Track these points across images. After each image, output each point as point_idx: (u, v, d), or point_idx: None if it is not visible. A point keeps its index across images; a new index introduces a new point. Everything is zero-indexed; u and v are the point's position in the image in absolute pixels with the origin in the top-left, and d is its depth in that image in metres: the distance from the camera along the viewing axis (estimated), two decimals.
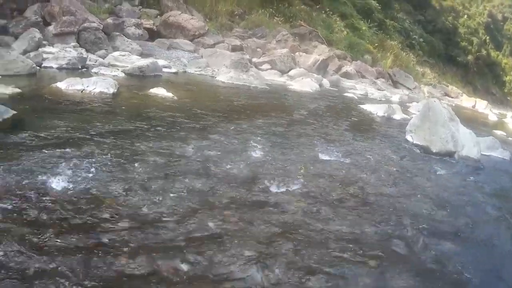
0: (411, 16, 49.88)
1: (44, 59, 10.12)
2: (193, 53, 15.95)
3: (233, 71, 13.54)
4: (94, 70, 10.38)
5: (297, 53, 20.01)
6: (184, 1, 19.38)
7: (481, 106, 37.26)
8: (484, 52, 67.25)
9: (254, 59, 17.64)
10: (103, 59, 11.73)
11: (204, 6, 20.67)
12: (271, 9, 24.50)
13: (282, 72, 17.42)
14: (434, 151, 9.23)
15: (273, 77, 16.44)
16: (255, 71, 15.23)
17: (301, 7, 27.88)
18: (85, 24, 12.47)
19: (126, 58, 11.96)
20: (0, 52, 8.97)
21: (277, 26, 23.21)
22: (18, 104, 6.44)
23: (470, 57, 60.65)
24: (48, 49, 11.00)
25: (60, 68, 9.99)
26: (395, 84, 26.98)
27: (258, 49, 19.11)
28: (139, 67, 11.00)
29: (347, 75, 22.11)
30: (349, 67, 23.21)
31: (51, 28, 12.12)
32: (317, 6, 29.96)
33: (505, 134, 18.97)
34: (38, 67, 9.50)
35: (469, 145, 9.77)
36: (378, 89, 22.05)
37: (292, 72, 17.48)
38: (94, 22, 13.04)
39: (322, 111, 11.26)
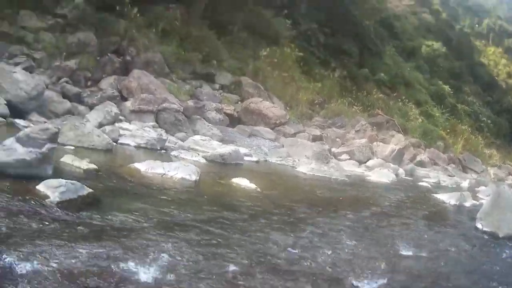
0: (480, 97, 50.20)
1: (120, 135, 10.29)
2: (273, 141, 15.76)
3: (314, 162, 13.28)
4: (173, 153, 10.21)
5: (374, 143, 19.90)
6: (265, 89, 19.36)
7: None
8: None
9: (333, 149, 17.58)
10: (183, 142, 11.67)
11: (285, 94, 20.69)
12: (350, 98, 24.66)
13: (360, 162, 17.36)
14: (501, 236, 8.71)
15: (351, 167, 16.24)
16: (335, 162, 15.20)
17: (379, 95, 28.17)
18: (164, 104, 12.49)
19: (206, 143, 11.80)
20: (75, 122, 8.88)
21: (356, 115, 23.21)
22: (94, 181, 6.17)
23: None
24: (125, 125, 11.11)
25: (137, 147, 10.15)
26: (465, 169, 26.83)
27: (338, 139, 19.03)
28: (220, 155, 10.73)
29: (421, 164, 21.91)
30: (423, 156, 23.17)
31: (128, 104, 12.16)
32: (394, 94, 30.32)
33: None
34: (114, 143, 9.39)
35: None
36: (449, 176, 21.81)
37: (370, 163, 17.43)
38: (174, 104, 13.01)
39: (399, 202, 10.97)
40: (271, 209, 7.06)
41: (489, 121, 46.33)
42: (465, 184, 19.48)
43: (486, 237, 8.56)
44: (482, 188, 17.67)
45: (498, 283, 5.77)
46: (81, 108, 10.90)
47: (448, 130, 30.99)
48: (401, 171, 18.00)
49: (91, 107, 10.94)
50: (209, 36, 19.18)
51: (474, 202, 12.77)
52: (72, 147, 8.07)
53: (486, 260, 7.05)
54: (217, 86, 17.84)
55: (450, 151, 27.85)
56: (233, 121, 16.02)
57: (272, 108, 17.43)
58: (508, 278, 6.19)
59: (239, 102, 17.57)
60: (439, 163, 23.97)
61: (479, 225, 9.21)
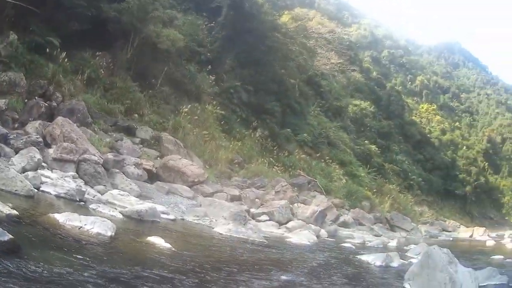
0: (410, 156, 51.70)
1: (42, 183, 10.29)
2: (191, 200, 15.97)
3: (232, 223, 13.48)
4: (92, 206, 10.44)
5: (295, 204, 20.25)
6: (184, 146, 19.74)
7: (479, 233, 38.63)
8: (482, 179, 69.19)
9: (252, 210, 17.78)
10: (102, 195, 11.82)
11: (205, 152, 21.11)
12: (270, 158, 25.23)
13: (280, 224, 17.46)
14: None
15: (271, 228, 16.47)
16: (254, 223, 15.52)
17: (301, 156, 28.87)
18: (85, 155, 12.67)
19: (124, 198, 11.99)
20: (0, 165, 9.19)
21: (276, 175, 23.68)
22: (15, 227, 6.49)
23: (468, 188, 62.57)
24: (47, 172, 11.23)
25: (58, 196, 10.10)
26: (393, 227, 27.40)
27: (257, 200, 19.25)
28: (137, 211, 10.99)
29: (344, 224, 22.47)
30: (346, 216, 23.74)
31: (51, 151, 12.38)
32: (317, 155, 31.08)
33: (503, 257, 19.15)
34: (36, 190, 9.61)
35: (467, 283, 9.57)
36: (376, 235, 22.53)
37: (290, 224, 17.53)
38: (95, 155, 13.30)
39: (318, 266, 11.14)
40: (183, 270, 7.25)
41: (419, 179, 48.56)
42: (393, 243, 20.14)
43: None
44: (411, 246, 18.35)
45: None
46: (7, 149, 11.18)
47: (375, 190, 32.12)
48: (323, 232, 18.32)
49: (16, 150, 11.24)
50: (132, 88, 19.72)
51: (403, 261, 13.18)
52: None
53: None
54: (137, 140, 18.15)
55: (377, 210, 28.67)
56: (152, 177, 16.28)
57: (190, 166, 17.86)
58: None
59: (158, 158, 18.02)
60: (364, 223, 24.71)
61: (407, 286, 9.62)
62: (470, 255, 21.21)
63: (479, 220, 61.17)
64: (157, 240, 8.73)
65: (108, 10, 19.79)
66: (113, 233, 8.11)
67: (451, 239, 34.14)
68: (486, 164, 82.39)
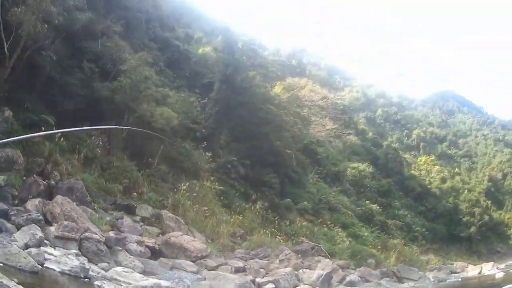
0: (412, 209, 52.05)
1: (46, 259, 10.45)
2: (196, 274, 15.92)
3: None
4: (97, 282, 10.56)
5: (300, 270, 20.23)
6: (185, 222, 19.89)
7: (487, 268, 38.24)
8: (486, 218, 69.14)
9: (257, 279, 17.52)
10: (106, 272, 11.91)
11: (206, 227, 21.23)
12: (272, 228, 25.35)
13: None
14: None
15: None
16: None
17: (303, 223, 29.03)
18: (87, 234, 12.86)
19: (129, 275, 12.04)
20: (3, 241, 9.52)
21: (279, 244, 23.79)
22: None
23: (473, 228, 62.65)
24: (50, 249, 11.38)
25: (62, 273, 10.24)
26: (400, 279, 27.40)
27: (261, 269, 19.30)
28: (142, 287, 11.11)
29: (351, 284, 22.38)
30: (352, 276, 23.65)
31: (52, 229, 12.61)
32: (319, 221, 31.26)
33: None
34: (40, 266, 9.82)
35: None
36: None
37: None
38: (96, 234, 13.47)
39: None
40: None
41: (423, 229, 49.32)
42: None
43: None
44: None
45: None
46: (9, 225, 11.46)
47: (379, 247, 32.22)
48: None
49: (17, 227, 11.50)
50: (129, 167, 20.02)
51: None
52: (0, 264, 8.63)
53: None
54: (137, 218, 18.37)
55: (383, 265, 28.58)
56: (155, 253, 16.38)
57: (192, 241, 17.93)
58: None
59: (160, 235, 18.05)
60: (371, 279, 24.68)
61: None
62: None
63: (487, 256, 60.96)
64: None
65: (101, 89, 20.37)
66: None
67: (459, 280, 34.15)
68: (489, 202, 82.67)
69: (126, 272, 12.26)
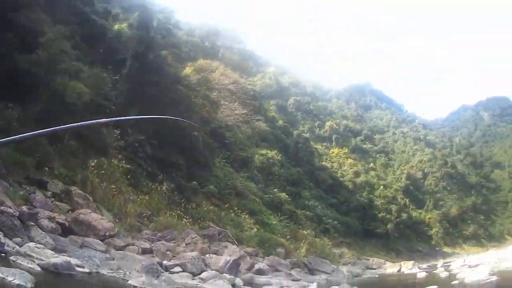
0: (323, 201, 52.77)
1: None
2: (104, 253, 16.09)
3: (145, 276, 13.67)
4: (12, 257, 10.74)
5: (207, 255, 20.57)
6: (94, 200, 19.83)
7: (407, 267, 39.87)
8: (404, 216, 70.82)
9: (164, 262, 17.98)
10: (20, 247, 11.97)
11: (113, 206, 21.28)
12: (179, 211, 25.54)
13: (194, 275, 17.65)
14: None
15: (185, 280, 16.68)
16: (167, 276, 15.63)
17: (209, 207, 29.31)
18: (2, 208, 12.76)
19: (41, 251, 12.17)
20: None
21: (186, 227, 23.98)
22: None
23: (390, 225, 63.94)
24: None
25: None
26: (312, 271, 27.93)
27: (168, 252, 19.66)
28: (54, 264, 11.25)
29: (260, 272, 22.63)
30: (261, 264, 23.94)
31: None
32: (226, 206, 31.67)
33: (436, 286, 19.67)
34: None
35: None
36: (294, 280, 23.01)
37: (203, 275, 17.67)
38: (11, 208, 13.43)
39: None
40: None
41: (335, 222, 50.34)
42: (313, 286, 20.42)
43: None
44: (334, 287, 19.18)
45: None
46: None
47: (288, 236, 32.94)
48: (238, 281, 18.66)
49: None
50: (42, 141, 19.71)
51: None
52: None
53: None
54: (49, 193, 18.09)
55: (293, 256, 29.07)
56: (65, 230, 16.33)
57: (101, 220, 18.06)
58: None
59: (70, 212, 17.96)
60: (281, 269, 25.01)
61: None
62: None
63: (407, 254, 62.21)
64: None
65: (21, 61, 20.04)
66: (33, 285, 8.59)
67: (377, 276, 34.95)
68: (407, 200, 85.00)
69: (39, 248, 12.38)
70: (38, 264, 11.04)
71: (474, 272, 24.61)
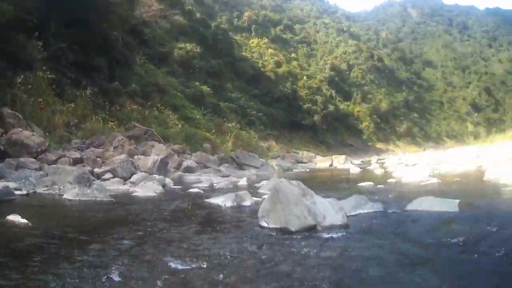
0: (245, 92, 52.83)
1: None
2: (39, 171, 16.19)
3: (78, 187, 13.58)
4: None
5: (135, 157, 20.97)
6: (24, 117, 19.97)
7: (339, 161, 41.01)
8: (331, 107, 71.40)
9: (96, 169, 18.29)
10: None
11: (42, 120, 21.50)
12: (104, 115, 25.99)
13: (125, 179, 18.01)
14: (293, 230, 9.01)
15: (116, 185, 16.90)
16: (98, 183, 15.58)
17: (133, 107, 29.84)
18: None
19: None
20: None
21: (112, 131, 24.51)
22: None
23: (316, 117, 64.40)
24: None
25: None
26: (241, 166, 28.88)
27: (98, 159, 19.79)
28: None
29: (189, 170, 23.11)
30: (189, 161, 24.64)
31: None
32: (149, 103, 32.13)
33: (372, 183, 19.84)
34: None
35: (331, 213, 9.74)
36: (223, 176, 23.38)
37: (134, 178, 18.07)
38: None
39: (166, 216, 11.25)
40: (37, 244, 7.49)
41: (260, 114, 51.15)
42: (243, 182, 20.73)
43: (275, 233, 8.90)
44: (263, 182, 18.97)
45: (300, 282, 6.05)
46: None
47: (213, 130, 33.77)
48: (168, 181, 18.98)
49: None
50: None
51: (256, 199, 13.50)
52: None
53: (278, 257, 7.26)
54: None
55: (220, 150, 30.34)
56: (1, 154, 16.48)
57: (32, 136, 18.08)
58: (315, 273, 6.44)
59: (4, 135, 17.84)
60: (209, 165, 25.71)
61: (263, 223, 9.65)
62: (333, 184, 22.36)
63: (338, 148, 63.91)
64: (15, 218, 9.02)
65: None
66: None
67: (307, 170, 35.89)
68: (333, 92, 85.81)
69: None
70: None
71: (413, 171, 24.62)
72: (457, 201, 11.74)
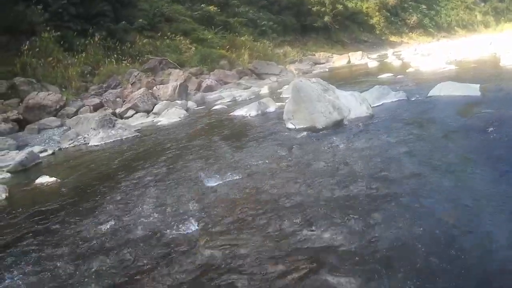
0: (252, 4, 51.63)
1: None
2: (61, 127, 16.56)
3: (102, 131, 13.98)
4: None
5: (154, 88, 21.03)
6: (37, 80, 20.43)
7: (357, 58, 40.82)
8: (340, 7, 69.31)
9: (117, 110, 18.68)
10: None
11: (56, 78, 21.91)
12: (115, 55, 26.28)
13: (148, 112, 18.48)
14: (320, 127, 9.42)
15: (141, 120, 17.48)
16: (122, 122, 15.72)
17: (144, 41, 30.02)
18: None
19: (5, 157, 12.49)
20: None
21: (127, 69, 24.81)
22: None
23: (326, 18, 62.43)
24: None
25: None
26: (260, 76, 29.17)
27: (118, 99, 20.13)
28: (19, 162, 11.35)
29: (209, 89, 23.77)
30: (208, 80, 24.99)
31: None
32: (159, 34, 32.11)
33: (392, 74, 20.49)
34: None
35: (355, 106, 10.13)
36: (245, 89, 23.99)
37: (156, 108, 18.52)
38: None
39: (193, 137, 11.61)
40: (66, 198, 7.77)
41: (271, 23, 49.03)
42: (264, 90, 21.83)
43: (304, 134, 9.25)
44: (285, 87, 19.69)
45: (342, 172, 6.50)
46: None
47: (228, 46, 33.64)
48: (191, 103, 19.67)
49: None
50: None
51: (280, 104, 14.12)
52: None
53: (311, 155, 7.64)
54: None
55: (237, 64, 30.38)
56: (22, 123, 16.78)
57: (48, 96, 18.39)
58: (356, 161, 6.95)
59: (20, 104, 18.30)
60: (229, 81, 26.36)
61: (290, 125, 10.09)
62: (354, 79, 22.56)
63: (353, 45, 61.76)
64: (44, 179, 9.37)
65: None
66: (7, 194, 8.68)
67: (326, 70, 36.11)
68: None
69: (3, 155, 12.78)
70: (7, 171, 11.09)
71: (430, 60, 24.60)
72: (478, 85, 12.17)
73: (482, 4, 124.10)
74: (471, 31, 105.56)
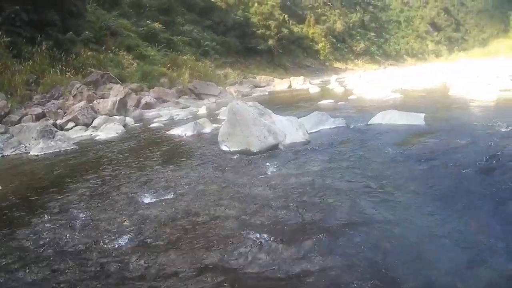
0: (197, 24, 52.17)
1: None
2: (4, 134, 16.14)
3: (42, 141, 13.82)
4: None
5: (95, 102, 21.11)
6: None
7: (298, 83, 41.30)
8: (285, 31, 70.39)
9: (58, 121, 18.64)
10: None
11: (3, 84, 21.99)
12: (60, 66, 26.27)
13: (87, 125, 18.36)
14: (255, 151, 9.41)
15: (80, 133, 17.27)
16: (62, 133, 15.93)
17: (88, 54, 30.13)
18: None
19: None
20: None
21: (70, 80, 24.78)
22: None
23: (271, 41, 63.64)
24: None
25: None
26: (200, 96, 29.63)
27: (59, 110, 19.95)
28: None
29: (148, 106, 23.67)
30: (147, 98, 25.06)
31: None
32: (103, 48, 32.62)
33: (333, 100, 20.62)
34: None
35: (292, 131, 10.10)
36: (183, 108, 24.28)
37: (95, 122, 18.47)
38: None
39: (128, 154, 11.64)
40: (13, 202, 7.87)
41: (214, 43, 49.98)
42: (202, 110, 21.89)
43: (236, 157, 9.32)
44: (222, 109, 19.56)
45: (265, 198, 6.56)
46: None
47: (169, 65, 34.25)
48: (129, 119, 19.67)
49: None
50: None
51: (216, 125, 14.10)
52: None
53: (242, 179, 7.72)
54: None
55: (178, 83, 30.83)
56: None
57: None
58: (279, 190, 6.94)
59: None
60: (168, 99, 26.29)
61: (224, 148, 10.08)
62: (293, 104, 22.60)
63: (295, 70, 63.34)
64: None
65: None
66: None
67: (266, 93, 36.69)
68: (286, 16, 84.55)
69: None
70: None
71: (374, 87, 24.60)
72: (423, 114, 12.54)
73: (435, 33, 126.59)
74: (421, 60, 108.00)
